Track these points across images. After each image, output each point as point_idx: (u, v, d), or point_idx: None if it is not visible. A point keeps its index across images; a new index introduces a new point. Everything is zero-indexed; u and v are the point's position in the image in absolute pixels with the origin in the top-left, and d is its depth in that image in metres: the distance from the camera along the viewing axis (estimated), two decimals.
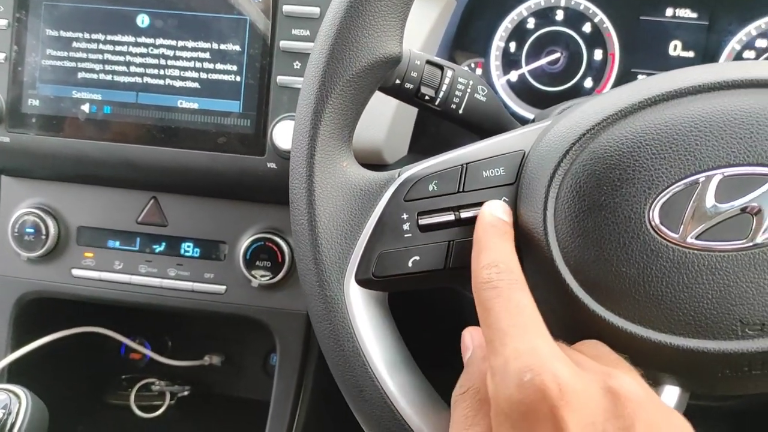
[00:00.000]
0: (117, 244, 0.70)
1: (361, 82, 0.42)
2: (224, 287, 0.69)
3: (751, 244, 0.34)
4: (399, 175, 0.41)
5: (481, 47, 0.78)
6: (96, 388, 0.86)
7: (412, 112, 0.71)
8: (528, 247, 0.39)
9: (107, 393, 0.86)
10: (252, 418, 0.77)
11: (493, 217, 0.38)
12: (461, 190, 0.40)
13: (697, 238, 0.35)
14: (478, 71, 0.79)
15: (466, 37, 0.78)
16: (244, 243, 0.68)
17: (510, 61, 0.78)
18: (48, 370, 0.77)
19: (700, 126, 0.35)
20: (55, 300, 0.73)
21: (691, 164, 0.35)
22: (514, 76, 0.78)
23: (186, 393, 0.85)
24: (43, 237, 0.69)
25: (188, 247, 0.70)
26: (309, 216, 0.41)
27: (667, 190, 0.35)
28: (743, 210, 0.34)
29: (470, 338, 0.38)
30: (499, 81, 0.78)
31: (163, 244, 0.70)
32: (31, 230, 0.69)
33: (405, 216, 0.40)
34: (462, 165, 0.41)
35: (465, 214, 0.40)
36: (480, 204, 0.40)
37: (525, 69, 0.77)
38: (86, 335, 0.78)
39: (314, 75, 0.41)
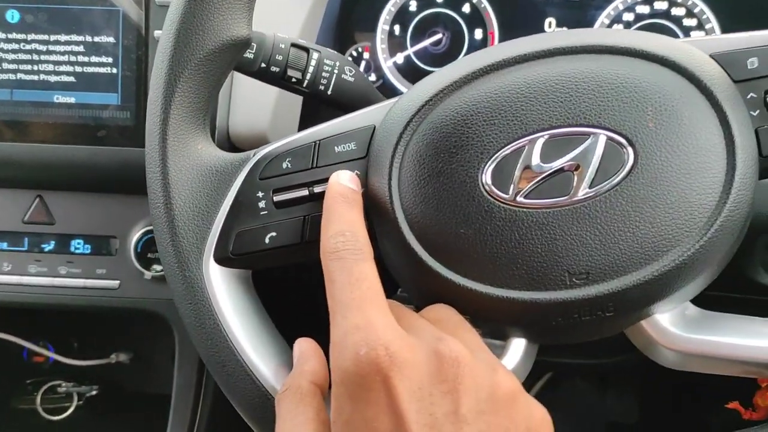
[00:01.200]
0: (4, 245, 0.69)
1: (209, 66, 0.42)
2: (118, 282, 0.69)
3: (572, 199, 0.37)
4: (254, 155, 0.42)
5: (366, 31, 0.79)
6: (0, 394, 0.84)
7: (298, 96, 0.72)
8: (377, 215, 0.40)
9: (12, 398, 0.84)
10: (162, 413, 0.77)
11: (341, 186, 0.39)
12: (314, 165, 0.42)
13: (525, 197, 0.37)
14: (366, 55, 0.80)
15: (350, 22, 0.79)
16: (135, 236, 0.67)
17: (396, 44, 0.79)
18: None
19: (525, 92, 0.38)
20: None
21: (518, 128, 0.37)
22: (400, 58, 0.80)
23: (94, 393, 0.84)
24: None
25: (78, 244, 0.69)
26: (164, 199, 0.41)
27: (498, 154, 0.38)
28: (564, 168, 0.37)
29: (298, 347, 0.39)
30: (386, 63, 0.80)
31: (52, 242, 0.69)
32: None
33: (260, 194, 0.41)
34: (315, 142, 0.42)
35: (318, 188, 0.41)
36: None
37: (410, 51, 0.79)
38: None
39: (162, 61, 0.41)
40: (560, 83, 0.38)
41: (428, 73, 0.79)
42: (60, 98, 0.63)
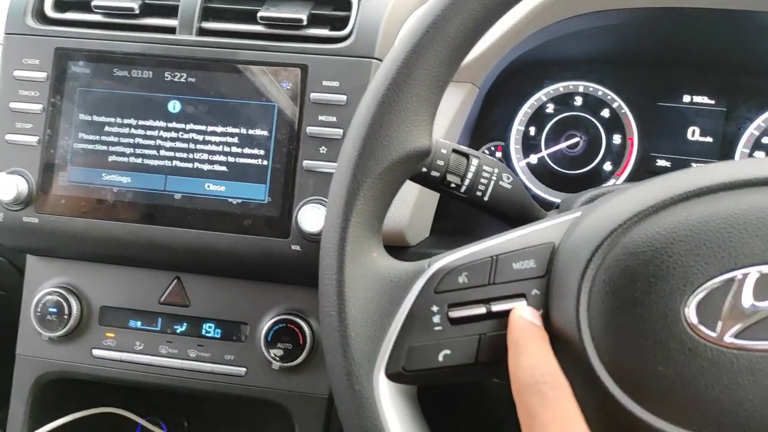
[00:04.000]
0: (139, 324, 0.70)
1: (391, 176, 0.42)
2: (244, 369, 0.69)
3: None
4: (429, 266, 0.41)
5: (501, 131, 0.79)
6: None
7: (435, 194, 0.71)
8: (560, 341, 0.38)
9: None
10: None
11: (525, 320, 0.38)
12: (492, 282, 0.40)
13: (735, 337, 0.34)
14: (498, 154, 0.80)
15: (486, 122, 0.79)
16: (266, 324, 0.67)
17: (529, 145, 0.79)
18: None
19: (734, 223, 0.35)
20: (73, 379, 0.72)
21: (726, 261, 0.35)
22: (533, 159, 0.79)
23: None
24: (65, 317, 0.69)
25: (209, 327, 0.69)
26: (339, 308, 0.40)
27: (703, 287, 0.35)
28: None
29: None
30: (519, 164, 0.79)
31: (185, 324, 0.70)
32: (54, 310, 0.69)
33: (435, 308, 0.40)
34: (492, 257, 0.41)
35: (496, 307, 0.40)
36: (511, 297, 0.40)
37: (545, 152, 0.78)
38: (101, 414, 0.77)
39: (346, 168, 0.42)
40: None
41: (562, 175, 0.78)
42: (211, 186, 0.65)
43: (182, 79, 0.65)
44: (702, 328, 0.35)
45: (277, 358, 0.67)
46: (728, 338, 0.34)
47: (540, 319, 0.39)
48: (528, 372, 0.34)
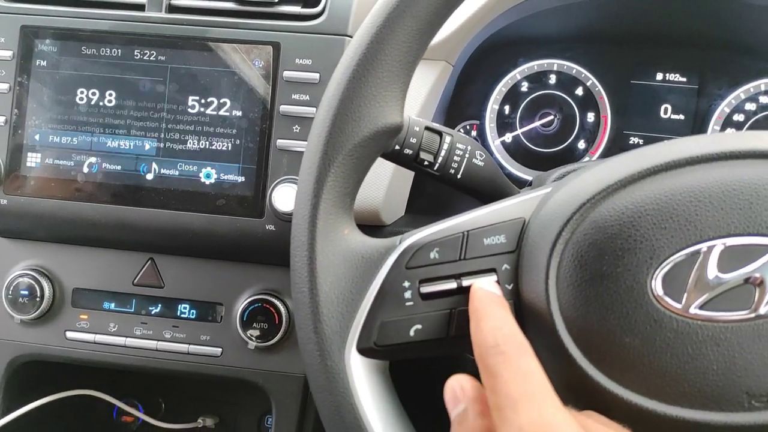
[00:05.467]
0: (112, 305, 0.70)
1: (362, 152, 0.42)
2: (220, 349, 0.69)
3: (754, 315, 0.34)
4: (400, 242, 0.42)
5: (476, 110, 0.79)
6: None
7: (410, 173, 0.72)
8: (530, 315, 0.38)
9: None
10: None
11: (485, 290, 0.39)
12: (462, 257, 0.40)
13: (700, 308, 0.35)
14: (473, 133, 0.80)
15: (461, 101, 0.79)
16: (241, 305, 0.67)
17: (504, 123, 0.79)
18: None
19: (700, 196, 0.36)
20: (48, 362, 0.72)
21: (693, 234, 0.35)
22: (508, 137, 0.79)
23: None
24: (38, 299, 0.68)
25: (184, 308, 0.69)
26: (310, 284, 0.40)
27: (669, 260, 0.36)
28: (746, 280, 0.35)
29: (461, 390, 0.36)
30: (494, 142, 0.79)
31: (159, 305, 0.69)
32: (26, 292, 0.69)
33: (406, 284, 0.40)
34: (463, 233, 0.41)
35: (466, 281, 0.40)
36: (481, 272, 0.40)
37: (519, 131, 0.79)
38: (78, 397, 0.77)
39: (316, 144, 0.41)
40: (738, 189, 0.36)
41: (537, 153, 0.79)
42: (183, 166, 0.64)
43: (152, 57, 0.64)
44: (668, 299, 0.35)
45: (253, 338, 0.67)
46: (693, 309, 0.35)
47: (501, 291, 0.39)
48: (490, 334, 0.35)
